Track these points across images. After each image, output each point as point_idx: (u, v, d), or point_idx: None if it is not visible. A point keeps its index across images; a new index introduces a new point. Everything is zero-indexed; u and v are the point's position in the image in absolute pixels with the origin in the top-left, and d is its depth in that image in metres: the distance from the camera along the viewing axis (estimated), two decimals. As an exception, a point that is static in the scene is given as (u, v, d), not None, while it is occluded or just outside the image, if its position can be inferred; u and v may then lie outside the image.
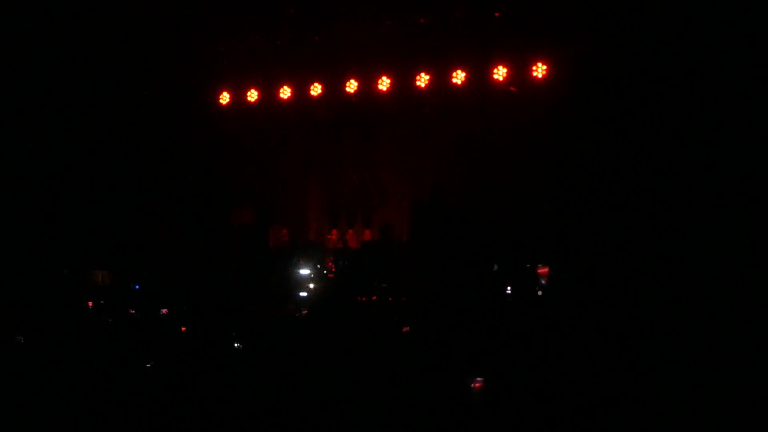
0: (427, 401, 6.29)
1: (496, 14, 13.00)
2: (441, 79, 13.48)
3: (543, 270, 9.57)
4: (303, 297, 10.97)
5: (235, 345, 7.88)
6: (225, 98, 14.72)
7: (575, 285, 8.45)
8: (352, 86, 13.95)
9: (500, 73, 13.09)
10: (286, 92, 14.37)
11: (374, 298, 10.39)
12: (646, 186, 10.91)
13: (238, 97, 14.66)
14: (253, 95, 14.58)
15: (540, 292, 9.14)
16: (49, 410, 6.64)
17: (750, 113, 10.18)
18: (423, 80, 13.55)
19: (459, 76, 13.35)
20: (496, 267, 9.94)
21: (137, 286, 11.37)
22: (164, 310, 9.37)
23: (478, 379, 6.39)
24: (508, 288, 9.50)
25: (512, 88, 13.04)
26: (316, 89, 14.18)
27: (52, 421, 6.59)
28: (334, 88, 14.08)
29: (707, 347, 6.43)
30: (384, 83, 13.77)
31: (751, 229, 9.21)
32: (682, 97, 10.86)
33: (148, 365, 7.35)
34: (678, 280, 8.05)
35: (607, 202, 11.23)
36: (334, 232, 14.09)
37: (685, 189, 10.38)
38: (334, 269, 12.25)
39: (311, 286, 11.38)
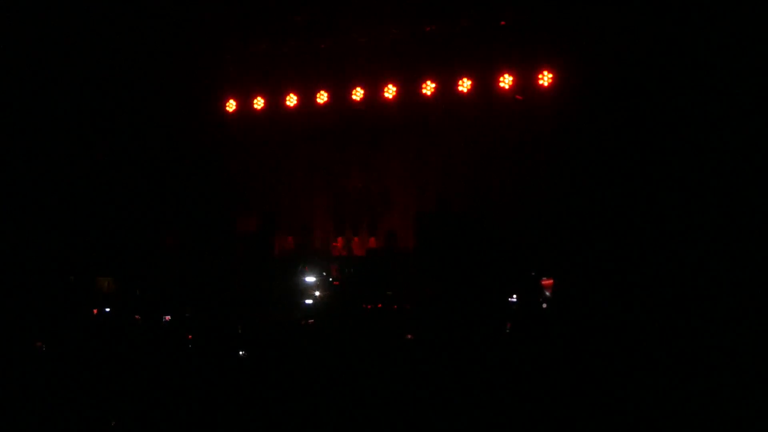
0: (430, 408, 6.27)
1: (502, 23, 13.02)
2: (447, 87, 13.50)
3: (547, 282, 9.55)
4: (308, 305, 10.95)
5: (240, 353, 7.87)
6: (231, 106, 14.76)
7: (580, 297, 8.42)
8: (358, 94, 13.97)
9: (506, 81, 13.11)
10: (292, 100, 14.40)
11: (380, 305, 10.37)
12: (654, 195, 10.87)
13: (245, 104, 14.69)
14: (259, 103, 14.61)
15: (544, 305, 9.11)
16: (54, 415, 6.66)
17: (758, 119, 10.14)
18: (429, 88, 13.57)
19: (465, 85, 13.38)
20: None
21: (141, 294, 11.38)
22: (167, 317, 9.37)
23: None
24: (513, 296, 9.49)
25: (518, 96, 13.05)
26: (322, 97, 14.21)
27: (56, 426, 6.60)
28: (340, 96, 14.11)
29: (714, 359, 6.41)
30: (390, 91, 13.79)
31: (758, 241, 9.18)
32: (689, 104, 10.83)
33: (154, 372, 7.35)
34: (686, 294, 8.02)
35: (614, 211, 11.19)
36: (340, 239, 14.07)
37: (695, 198, 10.33)
38: (339, 277, 12.23)
39: (317, 293, 11.37)
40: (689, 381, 6.20)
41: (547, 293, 9.42)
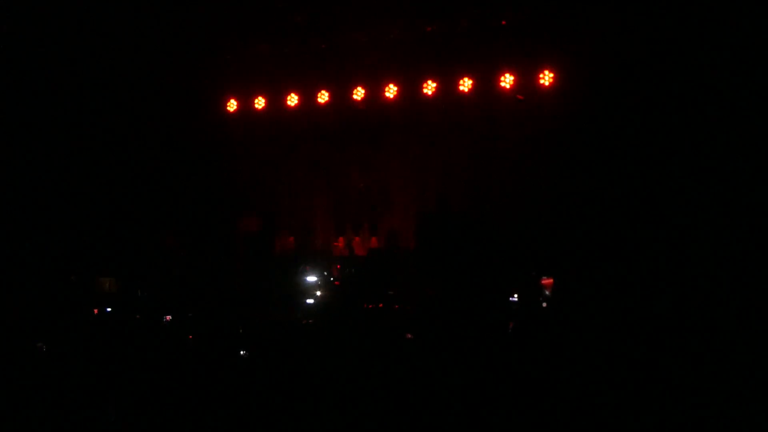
0: (431, 408, 6.29)
1: (503, 22, 13.01)
2: (448, 86, 13.50)
3: (547, 281, 9.57)
4: (309, 304, 10.97)
5: (241, 352, 7.89)
6: (232, 106, 14.77)
7: (580, 296, 8.44)
8: (359, 94, 13.98)
9: (507, 80, 13.11)
10: (293, 100, 14.41)
11: (381, 305, 10.39)
12: (654, 195, 10.88)
13: (246, 104, 14.70)
14: (260, 103, 14.62)
15: (544, 304, 9.14)
16: (55, 415, 6.67)
17: (758, 119, 10.14)
18: (430, 88, 13.57)
19: (466, 84, 13.37)
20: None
21: (144, 294, 11.41)
22: (168, 317, 9.39)
23: None
24: (515, 296, 9.50)
25: (519, 96, 13.04)
26: (323, 97, 14.21)
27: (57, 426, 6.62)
28: (341, 95, 14.11)
29: (713, 356, 6.42)
30: (391, 91, 13.79)
31: (758, 241, 9.19)
32: (689, 103, 10.84)
33: (155, 372, 7.36)
34: (686, 293, 8.03)
35: (614, 210, 11.19)
36: (341, 239, 14.08)
37: (695, 198, 10.34)
38: (340, 276, 12.24)
39: (318, 293, 11.38)
40: (688, 380, 6.21)
41: (547, 293, 9.44)
